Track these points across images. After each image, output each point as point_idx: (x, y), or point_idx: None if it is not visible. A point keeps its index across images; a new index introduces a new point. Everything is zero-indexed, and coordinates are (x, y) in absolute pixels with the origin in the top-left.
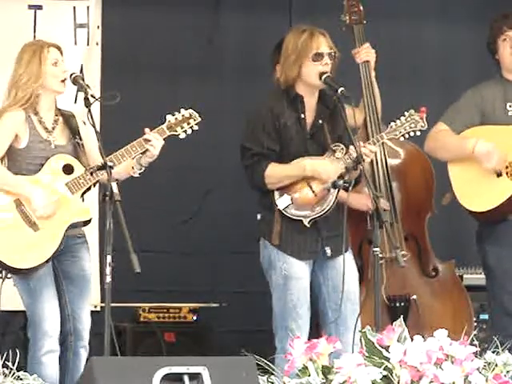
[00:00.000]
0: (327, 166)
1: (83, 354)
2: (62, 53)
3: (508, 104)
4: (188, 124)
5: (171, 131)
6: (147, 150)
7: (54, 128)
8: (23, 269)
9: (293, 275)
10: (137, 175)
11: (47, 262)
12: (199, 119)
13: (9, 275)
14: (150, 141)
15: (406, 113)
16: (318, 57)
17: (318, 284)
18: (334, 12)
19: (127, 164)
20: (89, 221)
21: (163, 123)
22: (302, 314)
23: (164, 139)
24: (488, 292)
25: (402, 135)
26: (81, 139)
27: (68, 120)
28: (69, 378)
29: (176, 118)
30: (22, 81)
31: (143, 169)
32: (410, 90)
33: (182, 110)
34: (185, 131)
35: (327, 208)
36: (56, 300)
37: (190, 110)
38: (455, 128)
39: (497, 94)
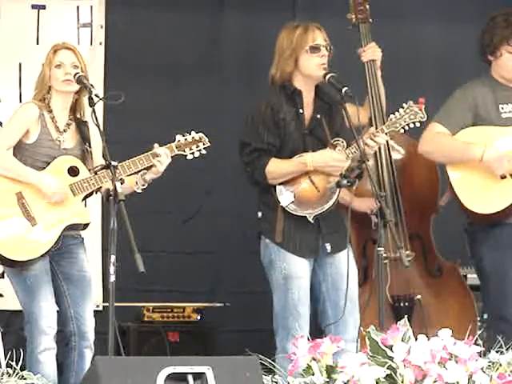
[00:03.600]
0: (328, 157)
1: (88, 354)
2: (76, 53)
3: (500, 106)
4: (197, 147)
5: (179, 150)
6: (153, 165)
7: (65, 130)
8: (19, 261)
9: (293, 274)
10: (139, 191)
11: (43, 256)
12: (208, 144)
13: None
14: (158, 156)
15: (404, 105)
16: (315, 49)
17: (318, 282)
18: (338, 11)
19: (131, 179)
20: (87, 224)
21: (173, 141)
22: (302, 313)
23: (171, 157)
24: (483, 295)
25: (402, 127)
26: (90, 146)
27: (80, 127)
28: (74, 378)
29: (186, 139)
30: (37, 81)
31: (146, 185)
32: (409, 89)
33: (193, 133)
34: (192, 153)
35: (331, 204)
36: (53, 298)
37: (201, 134)
38: (450, 129)
39: (487, 96)
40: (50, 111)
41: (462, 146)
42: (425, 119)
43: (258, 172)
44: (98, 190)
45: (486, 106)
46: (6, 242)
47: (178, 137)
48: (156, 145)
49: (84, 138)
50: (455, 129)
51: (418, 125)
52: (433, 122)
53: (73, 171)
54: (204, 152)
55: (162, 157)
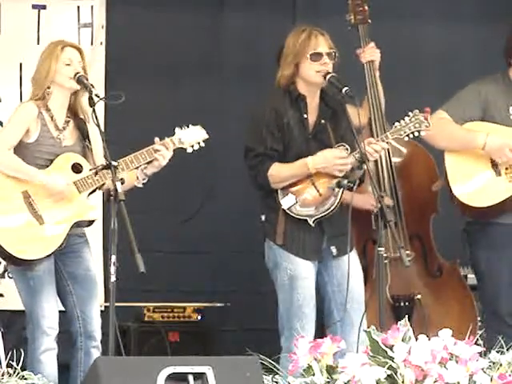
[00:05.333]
0: (328, 156)
1: (95, 353)
2: (82, 54)
3: (510, 108)
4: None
5: (179, 144)
6: (154, 159)
7: (64, 128)
8: (27, 260)
9: (298, 275)
10: (140, 185)
11: (49, 256)
12: (207, 136)
13: (10, 275)
14: (159, 151)
15: (410, 113)
16: (317, 56)
17: (323, 284)
18: (338, 12)
19: (131, 174)
20: (93, 221)
21: (172, 135)
22: (307, 313)
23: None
24: (480, 297)
25: (407, 135)
26: (90, 143)
27: (79, 124)
28: (82, 378)
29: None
30: (37, 77)
31: (147, 179)
32: (410, 90)
33: (191, 126)
34: (192, 146)
35: (332, 207)
36: (55, 299)
37: (199, 126)
38: (456, 119)
39: (500, 94)
40: (49, 110)
41: (465, 132)
42: (430, 128)
43: (261, 176)
44: (102, 186)
45: (496, 104)
46: (15, 241)
47: (177, 130)
48: (157, 139)
49: (83, 135)
50: (460, 120)
51: (422, 133)
52: (439, 110)
53: (76, 168)
54: (203, 145)
55: (163, 151)
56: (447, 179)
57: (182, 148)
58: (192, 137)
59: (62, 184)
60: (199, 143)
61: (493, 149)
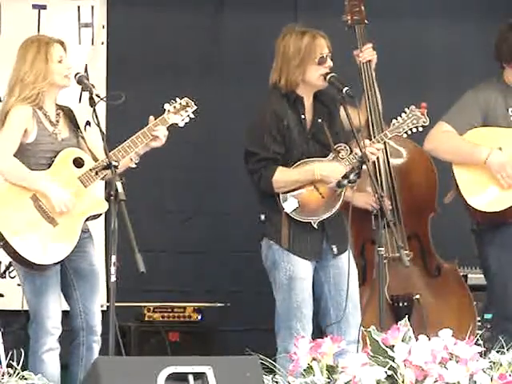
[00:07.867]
0: (336, 169)
1: (96, 348)
2: (65, 48)
3: (510, 110)
4: (186, 112)
5: (172, 120)
6: (151, 140)
7: (57, 121)
8: (44, 264)
9: (297, 276)
10: (134, 166)
11: (64, 259)
12: (195, 107)
13: (12, 274)
14: (155, 131)
15: (406, 109)
16: (323, 60)
17: (320, 283)
18: (339, 11)
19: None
20: (100, 214)
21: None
22: (306, 314)
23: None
24: (488, 295)
25: (405, 132)
26: (81, 131)
27: (68, 114)
28: (84, 372)
29: (174, 107)
30: (27, 79)
31: (138, 159)
32: (410, 90)
33: (178, 99)
34: (183, 120)
35: (334, 210)
36: (59, 299)
37: (186, 99)
38: (458, 129)
39: (498, 98)
40: (41, 107)
41: (468, 146)
42: (427, 123)
43: (263, 181)
44: (105, 176)
45: (495, 108)
46: (32, 247)
47: (167, 106)
48: (151, 117)
49: (74, 124)
50: (463, 130)
51: (420, 129)
52: (441, 121)
53: (78, 163)
54: (193, 116)
55: (159, 132)
56: (459, 189)
57: (174, 124)
58: (181, 110)
59: (59, 199)
60: (189, 115)
61: (494, 165)
